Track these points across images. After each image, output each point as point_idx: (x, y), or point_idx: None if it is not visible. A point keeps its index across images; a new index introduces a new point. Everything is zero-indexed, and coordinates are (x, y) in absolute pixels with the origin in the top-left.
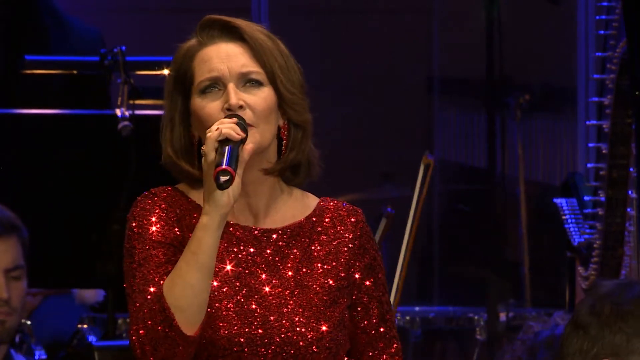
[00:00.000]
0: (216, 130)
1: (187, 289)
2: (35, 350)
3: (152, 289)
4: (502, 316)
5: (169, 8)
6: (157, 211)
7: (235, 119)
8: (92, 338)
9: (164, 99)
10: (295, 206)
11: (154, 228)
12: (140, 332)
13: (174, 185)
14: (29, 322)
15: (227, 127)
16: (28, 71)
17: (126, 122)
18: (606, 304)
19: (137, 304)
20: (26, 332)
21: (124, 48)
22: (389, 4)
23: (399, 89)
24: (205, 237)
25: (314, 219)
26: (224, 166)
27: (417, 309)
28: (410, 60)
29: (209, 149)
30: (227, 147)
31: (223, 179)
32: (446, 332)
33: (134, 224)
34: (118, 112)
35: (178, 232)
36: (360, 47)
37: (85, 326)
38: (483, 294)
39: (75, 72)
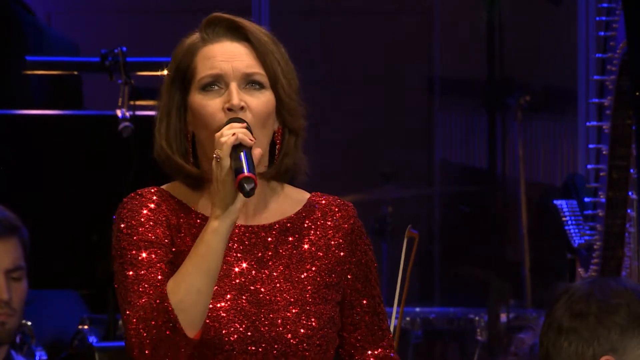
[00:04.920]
0: (232, 135)
1: (193, 292)
2: (35, 351)
3: (150, 290)
4: (503, 317)
5: (169, 8)
6: (145, 211)
7: (244, 124)
8: (92, 339)
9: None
10: (285, 202)
11: (143, 228)
12: (142, 332)
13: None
14: (29, 323)
15: (241, 132)
16: (29, 71)
17: (127, 123)
18: (591, 302)
19: (134, 304)
20: (27, 333)
21: (124, 49)
22: (389, 5)
23: (399, 89)
24: (215, 242)
25: (303, 214)
26: (247, 173)
27: (417, 309)
28: (410, 61)
29: (224, 154)
30: (242, 153)
31: (249, 187)
32: (447, 333)
33: (122, 225)
34: (119, 112)
35: (167, 232)
36: (361, 47)
37: (86, 327)
38: (484, 294)
39: (75, 72)
